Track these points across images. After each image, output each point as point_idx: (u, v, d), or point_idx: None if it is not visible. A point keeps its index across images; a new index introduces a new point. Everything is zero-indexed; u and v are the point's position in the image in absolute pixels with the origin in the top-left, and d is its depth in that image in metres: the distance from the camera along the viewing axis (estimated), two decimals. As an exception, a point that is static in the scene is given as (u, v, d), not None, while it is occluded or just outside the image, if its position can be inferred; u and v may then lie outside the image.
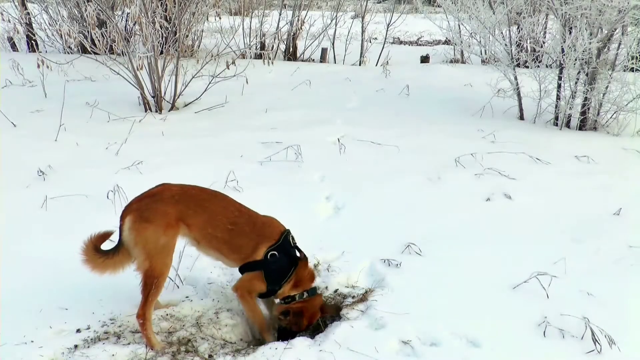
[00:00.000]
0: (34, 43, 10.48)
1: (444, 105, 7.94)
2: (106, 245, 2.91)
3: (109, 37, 7.13)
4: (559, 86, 6.99)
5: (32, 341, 2.75)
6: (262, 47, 11.25)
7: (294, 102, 7.99)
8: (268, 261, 2.90)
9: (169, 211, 2.80)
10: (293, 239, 3.02)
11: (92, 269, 2.82)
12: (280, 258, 2.92)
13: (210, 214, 2.92)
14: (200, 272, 3.48)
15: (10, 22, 9.91)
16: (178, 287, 3.36)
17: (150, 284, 2.76)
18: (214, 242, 2.94)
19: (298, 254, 3.02)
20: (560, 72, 6.92)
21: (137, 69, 6.89)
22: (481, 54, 9.78)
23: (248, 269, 2.97)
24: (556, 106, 7.13)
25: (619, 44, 7.03)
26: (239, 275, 3.06)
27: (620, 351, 2.75)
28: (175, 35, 7.21)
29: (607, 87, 6.77)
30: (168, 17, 7.27)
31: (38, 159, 5.12)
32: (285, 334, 3.02)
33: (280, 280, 2.95)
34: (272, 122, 6.88)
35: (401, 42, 15.32)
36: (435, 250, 3.75)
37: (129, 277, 2.92)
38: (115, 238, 2.92)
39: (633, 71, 6.84)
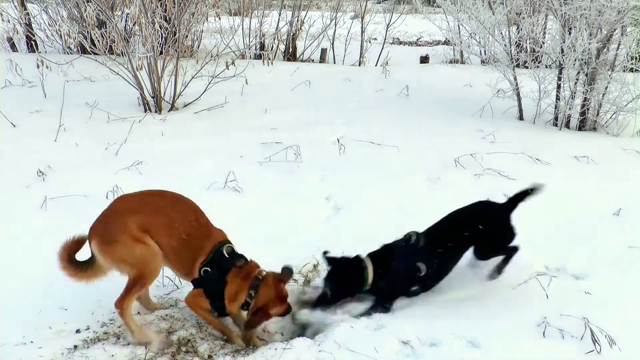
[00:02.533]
0: (33, 43, 10.48)
1: (444, 105, 7.94)
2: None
3: (109, 37, 7.13)
4: (559, 86, 6.99)
5: (31, 341, 2.76)
6: (262, 47, 11.25)
7: (293, 103, 7.99)
8: (203, 278, 2.80)
9: (129, 224, 2.71)
10: (231, 249, 2.87)
11: (69, 277, 2.81)
12: (213, 273, 2.80)
13: (169, 220, 2.80)
14: (200, 273, 3.47)
15: (9, 22, 9.91)
16: (178, 287, 3.36)
17: (136, 283, 2.73)
18: (169, 251, 2.80)
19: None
20: (560, 72, 6.92)
21: (137, 70, 6.89)
22: (481, 54, 9.79)
23: (195, 285, 2.88)
24: (556, 106, 7.13)
25: (619, 45, 7.03)
26: None
27: (620, 351, 2.75)
28: (174, 35, 7.21)
29: (606, 88, 6.78)
30: (167, 18, 7.27)
31: (38, 159, 5.12)
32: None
33: (222, 295, 2.83)
34: (271, 122, 6.88)
35: (401, 43, 15.31)
36: (435, 251, 3.74)
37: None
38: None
39: (632, 71, 6.85)
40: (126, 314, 2.77)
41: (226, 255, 2.84)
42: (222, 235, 2.94)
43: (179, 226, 2.79)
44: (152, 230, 2.76)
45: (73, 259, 2.82)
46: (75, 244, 2.84)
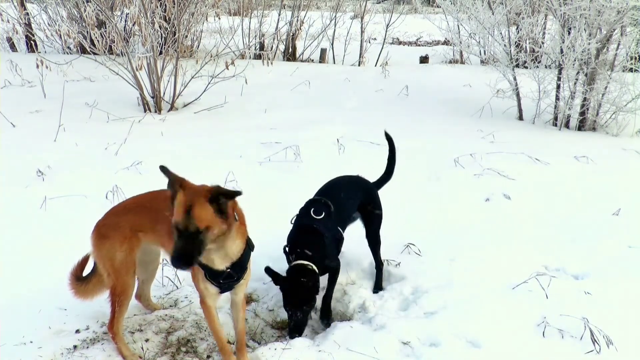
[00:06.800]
0: (33, 43, 10.49)
1: (444, 105, 7.94)
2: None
3: (108, 37, 7.13)
4: (558, 87, 7.00)
5: (31, 341, 2.76)
6: (262, 47, 11.25)
7: (293, 102, 7.99)
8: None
9: (122, 223, 2.70)
10: None
11: (77, 297, 2.84)
12: None
13: (155, 210, 2.70)
14: (199, 273, 3.47)
15: (9, 22, 9.91)
16: (177, 287, 3.36)
17: (114, 302, 2.70)
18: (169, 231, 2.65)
19: None
20: (559, 72, 6.93)
21: (137, 70, 6.89)
22: (480, 54, 9.79)
23: None
24: (555, 106, 7.13)
25: (618, 45, 7.04)
26: None
27: (617, 351, 2.75)
28: (174, 35, 7.21)
29: (606, 88, 6.79)
30: (167, 18, 7.27)
31: (37, 159, 5.12)
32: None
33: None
34: (271, 122, 6.88)
35: (400, 43, 15.32)
36: (434, 250, 3.75)
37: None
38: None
39: (632, 71, 6.86)
40: (118, 339, 2.75)
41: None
42: None
43: (162, 208, 2.63)
44: (144, 229, 2.73)
45: (80, 277, 2.84)
46: (81, 264, 2.87)
